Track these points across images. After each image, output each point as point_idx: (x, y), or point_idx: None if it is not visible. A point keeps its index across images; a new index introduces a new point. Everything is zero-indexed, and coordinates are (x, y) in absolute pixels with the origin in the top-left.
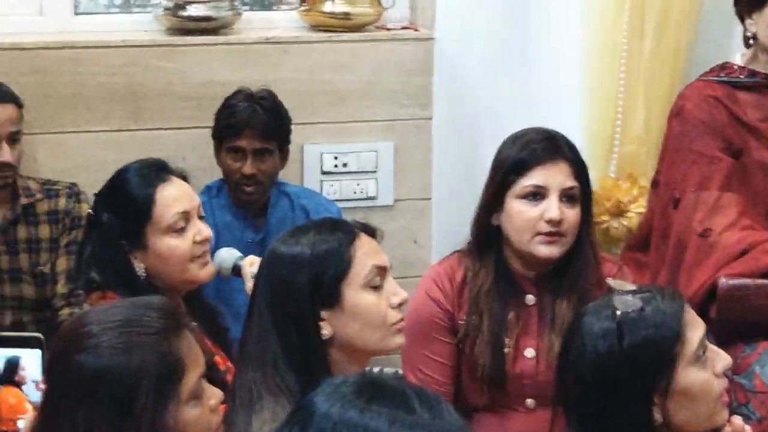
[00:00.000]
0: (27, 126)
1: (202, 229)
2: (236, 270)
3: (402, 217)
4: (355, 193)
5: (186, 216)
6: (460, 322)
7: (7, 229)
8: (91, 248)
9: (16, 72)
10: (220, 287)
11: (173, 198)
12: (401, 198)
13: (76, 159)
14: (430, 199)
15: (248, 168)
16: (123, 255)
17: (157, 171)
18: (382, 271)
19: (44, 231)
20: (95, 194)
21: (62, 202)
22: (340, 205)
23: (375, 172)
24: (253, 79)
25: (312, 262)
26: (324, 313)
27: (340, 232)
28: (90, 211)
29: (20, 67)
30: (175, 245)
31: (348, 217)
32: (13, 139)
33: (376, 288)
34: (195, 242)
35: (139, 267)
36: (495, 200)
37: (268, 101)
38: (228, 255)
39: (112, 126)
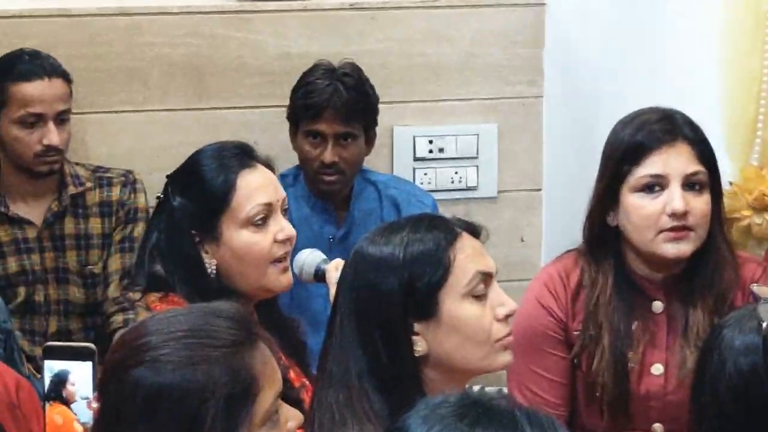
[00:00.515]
0: (76, 105)
1: (285, 227)
2: (320, 275)
3: (507, 210)
4: (452, 182)
5: (269, 209)
6: (575, 333)
7: (53, 222)
8: (157, 236)
9: (65, 43)
10: (296, 292)
11: (256, 187)
12: (506, 189)
13: (132, 143)
14: (540, 190)
15: (329, 155)
16: (193, 246)
17: (240, 155)
18: (486, 277)
19: (95, 225)
20: (168, 176)
21: (116, 192)
22: (435, 196)
23: (476, 158)
24: (334, 51)
25: (405, 266)
26: (418, 326)
27: (438, 231)
28: (160, 194)
29: (69, 38)
30: (253, 241)
31: (444, 210)
32: (62, 119)
33: (480, 297)
34: (276, 241)
35: (210, 263)
36: (608, 196)
37: (352, 77)
38: (311, 257)
39: (173, 105)
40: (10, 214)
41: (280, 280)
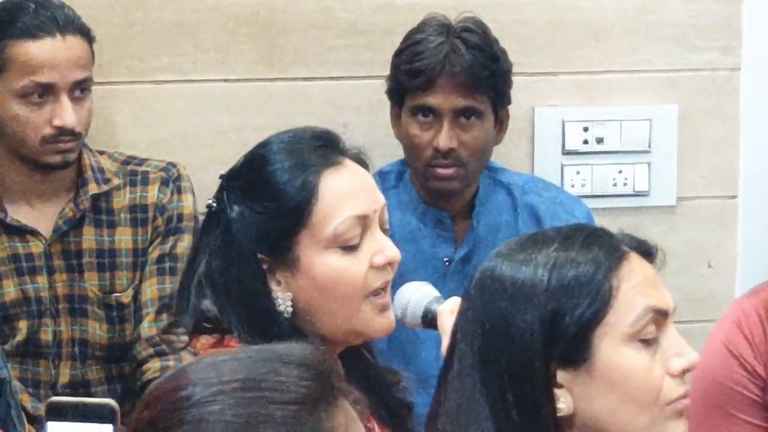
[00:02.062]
0: (101, 72)
1: (385, 247)
2: (429, 319)
3: (689, 225)
4: (614, 185)
5: (363, 223)
6: None
7: (67, 233)
8: (208, 260)
9: None
10: (396, 334)
11: (346, 193)
12: (688, 195)
13: (177, 125)
14: (735, 197)
15: (444, 138)
16: (258, 274)
17: (322, 148)
18: (659, 316)
19: (124, 237)
20: (222, 176)
21: (153, 193)
22: (591, 203)
23: (647, 152)
24: (454, 3)
25: (550, 295)
26: (562, 376)
27: (599, 250)
28: (211, 201)
29: None
30: (343, 268)
31: (603, 221)
32: (80, 91)
33: (649, 343)
34: (373, 267)
35: (283, 298)
36: None
37: (476, 34)
38: (418, 295)
39: (235, 74)
40: (8, 222)
41: (377, 321)
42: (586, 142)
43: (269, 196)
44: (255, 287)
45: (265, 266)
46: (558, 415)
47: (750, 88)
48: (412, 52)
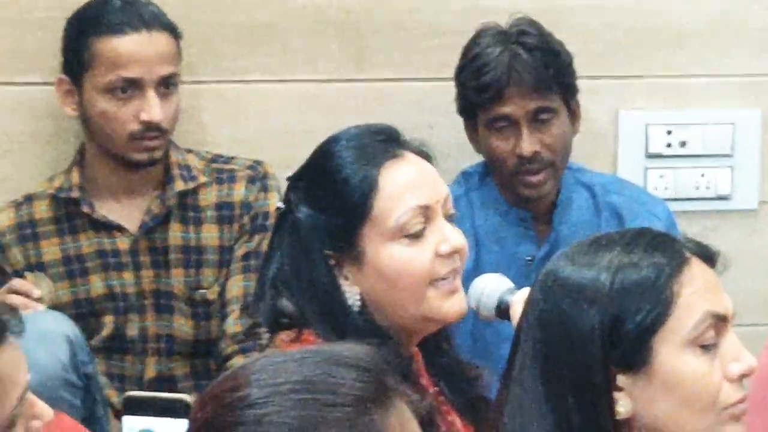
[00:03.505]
0: (189, 70)
1: (449, 236)
2: (502, 310)
3: None
4: (697, 188)
5: (426, 213)
6: None
7: (153, 229)
8: (280, 260)
9: None
10: (479, 331)
11: (406, 184)
12: None
13: (264, 123)
14: None
15: (527, 144)
16: (327, 271)
17: (382, 142)
18: (720, 322)
19: (210, 234)
20: (289, 178)
21: (240, 190)
22: (674, 206)
23: (730, 156)
24: (541, 7)
25: (612, 299)
26: (622, 379)
27: (661, 254)
28: (280, 203)
29: None
30: (408, 258)
31: (684, 225)
32: (166, 87)
33: (708, 348)
34: (439, 255)
35: (351, 291)
36: None
37: (532, 35)
38: (492, 285)
39: (322, 74)
40: (95, 217)
41: (446, 305)
42: (669, 145)
43: (332, 192)
44: (324, 284)
45: (332, 262)
46: (617, 418)
47: None
48: (476, 67)
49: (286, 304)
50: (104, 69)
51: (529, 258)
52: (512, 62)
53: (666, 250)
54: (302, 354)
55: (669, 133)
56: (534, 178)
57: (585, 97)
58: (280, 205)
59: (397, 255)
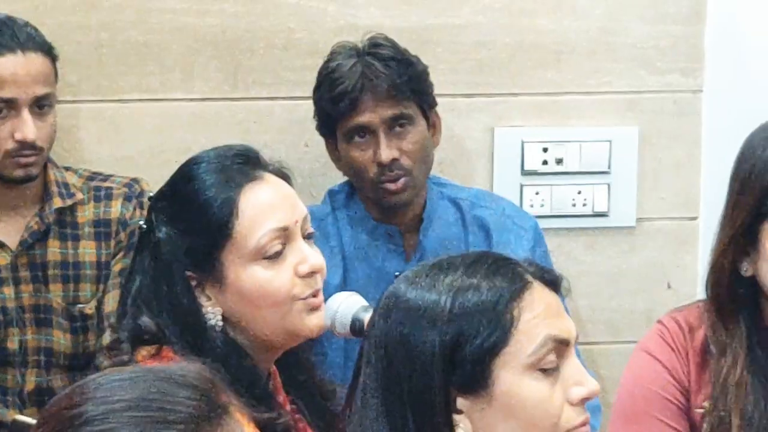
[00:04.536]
0: (68, 90)
1: (308, 256)
2: (358, 327)
3: (649, 246)
4: (574, 205)
5: (284, 235)
6: (699, 411)
7: (32, 246)
8: (142, 279)
9: (53, 8)
10: (352, 346)
11: (266, 206)
12: (648, 216)
13: (142, 142)
14: (695, 218)
15: (384, 150)
16: (187, 291)
17: (242, 164)
18: (560, 345)
19: (88, 250)
20: (150, 198)
21: (116, 208)
22: (549, 224)
23: (607, 173)
24: (415, 25)
25: (451, 321)
26: (462, 402)
27: (502, 278)
28: (142, 223)
29: (59, 1)
30: (267, 279)
31: (563, 241)
32: (41, 107)
33: (549, 372)
34: (298, 275)
35: (213, 312)
36: (743, 237)
37: (386, 48)
38: (346, 303)
39: (199, 93)
40: None
41: (307, 320)
42: (545, 162)
43: (192, 214)
44: (184, 304)
45: (193, 283)
46: None
47: (712, 110)
48: (330, 81)
49: (147, 321)
50: None
51: (397, 273)
52: (365, 71)
53: (507, 274)
54: (137, 373)
55: (545, 150)
56: (393, 186)
57: (460, 115)
58: (142, 224)
59: (257, 276)
